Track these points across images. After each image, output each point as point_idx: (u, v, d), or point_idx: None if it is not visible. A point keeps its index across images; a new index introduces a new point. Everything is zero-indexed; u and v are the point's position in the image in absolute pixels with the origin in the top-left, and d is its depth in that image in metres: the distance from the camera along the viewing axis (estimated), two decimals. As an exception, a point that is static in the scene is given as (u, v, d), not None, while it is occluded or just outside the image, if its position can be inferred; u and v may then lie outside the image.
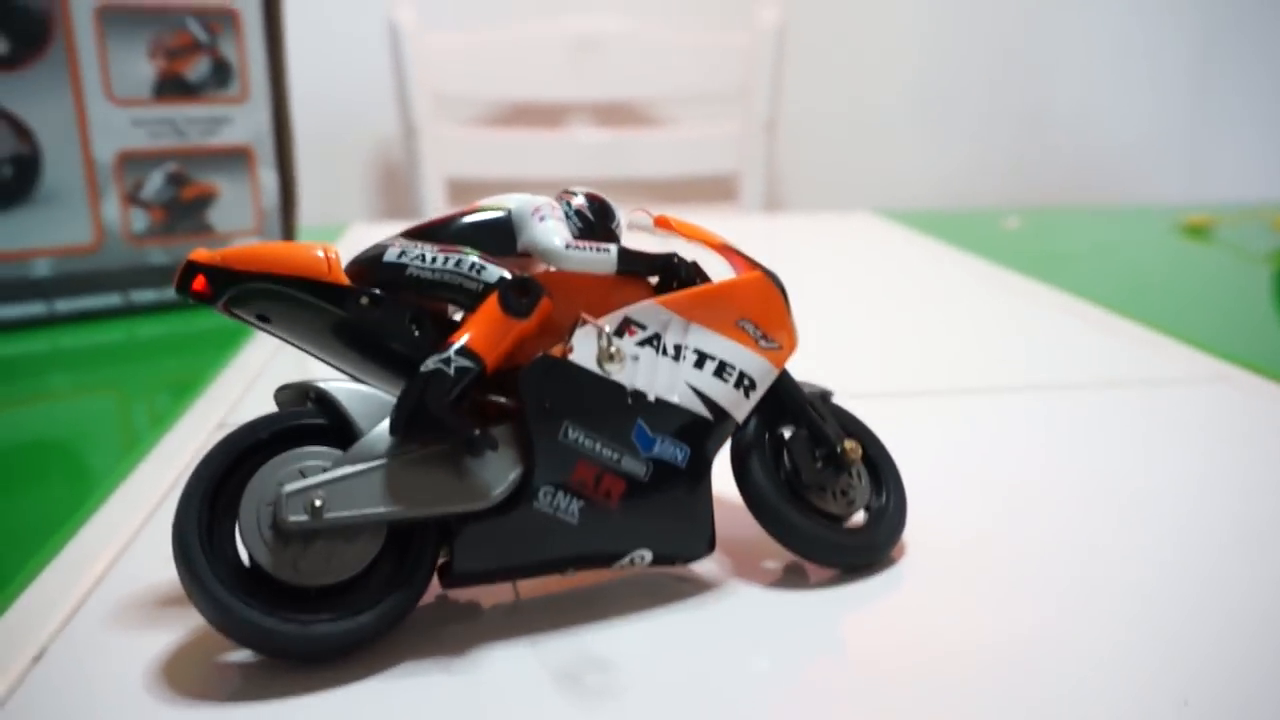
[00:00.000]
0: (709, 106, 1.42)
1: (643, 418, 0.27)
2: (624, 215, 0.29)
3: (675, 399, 0.27)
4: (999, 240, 0.83)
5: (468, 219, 0.28)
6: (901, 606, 0.28)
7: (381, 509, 0.24)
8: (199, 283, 0.25)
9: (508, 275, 0.26)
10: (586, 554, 0.26)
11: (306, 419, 0.25)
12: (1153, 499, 0.34)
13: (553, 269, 0.27)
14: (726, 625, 0.26)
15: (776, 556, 0.29)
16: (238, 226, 0.60)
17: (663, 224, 0.30)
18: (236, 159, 0.60)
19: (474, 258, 0.26)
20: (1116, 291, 0.64)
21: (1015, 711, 0.23)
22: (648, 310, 0.27)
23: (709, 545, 0.28)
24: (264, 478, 0.24)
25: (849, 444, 0.29)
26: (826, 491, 0.29)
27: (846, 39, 1.55)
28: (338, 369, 0.27)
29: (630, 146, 1.38)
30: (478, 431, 0.24)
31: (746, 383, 0.28)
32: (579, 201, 0.28)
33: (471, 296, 0.26)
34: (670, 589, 0.28)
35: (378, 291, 0.26)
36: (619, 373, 0.26)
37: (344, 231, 0.81)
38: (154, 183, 0.57)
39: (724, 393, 0.27)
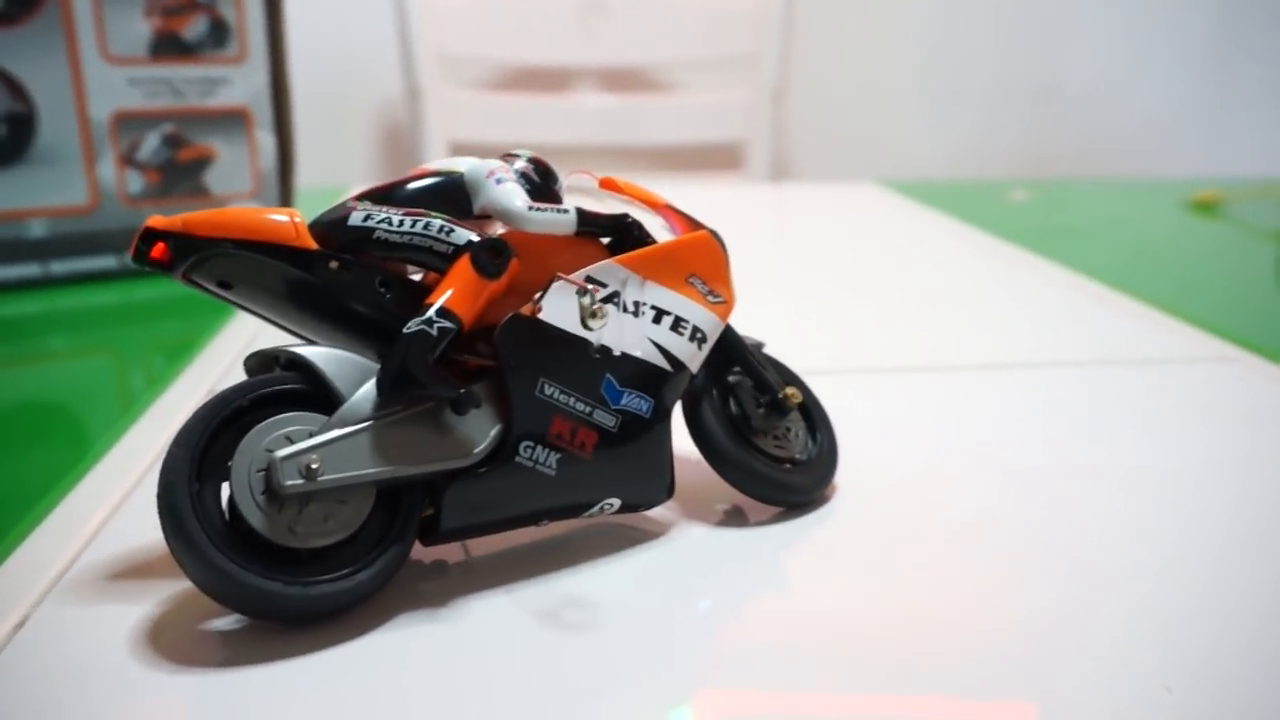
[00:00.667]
0: (716, 73, 1.41)
1: (610, 372, 0.28)
2: (565, 177, 0.30)
3: (638, 353, 0.28)
4: (1004, 213, 0.82)
5: (421, 182, 0.28)
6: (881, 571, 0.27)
7: (374, 469, 0.25)
8: (158, 250, 0.25)
9: (475, 237, 0.26)
10: (563, 504, 0.28)
11: (284, 384, 0.25)
12: (1151, 479, 0.34)
13: (512, 230, 0.27)
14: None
15: (721, 499, 0.31)
16: (235, 189, 0.60)
17: (608, 185, 0.31)
18: (234, 121, 0.59)
19: (441, 220, 0.26)
20: (1121, 267, 0.63)
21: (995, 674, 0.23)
22: (608, 269, 0.28)
23: (669, 491, 0.29)
24: (251, 444, 0.24)
25: (789, 390, 0.31)
26: (769, 435, 0.31)
27: (856, 6, 1.53)
28: (299, 335, 0.27)
29: (636, 112, 1.37)
30: (462, 390, 0.25)
31: (699, 335, 0.29)
32: (523, 164, 0.29)
33: (441, 258, 0.26)
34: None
35: (347, 256, 0.26)
36: (601, 328, 0.27)
37: (345, 194, 0.80)
38: (150, 144, 0.57)
39: (680, 345, 0.29)
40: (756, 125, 1.37)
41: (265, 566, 0.24)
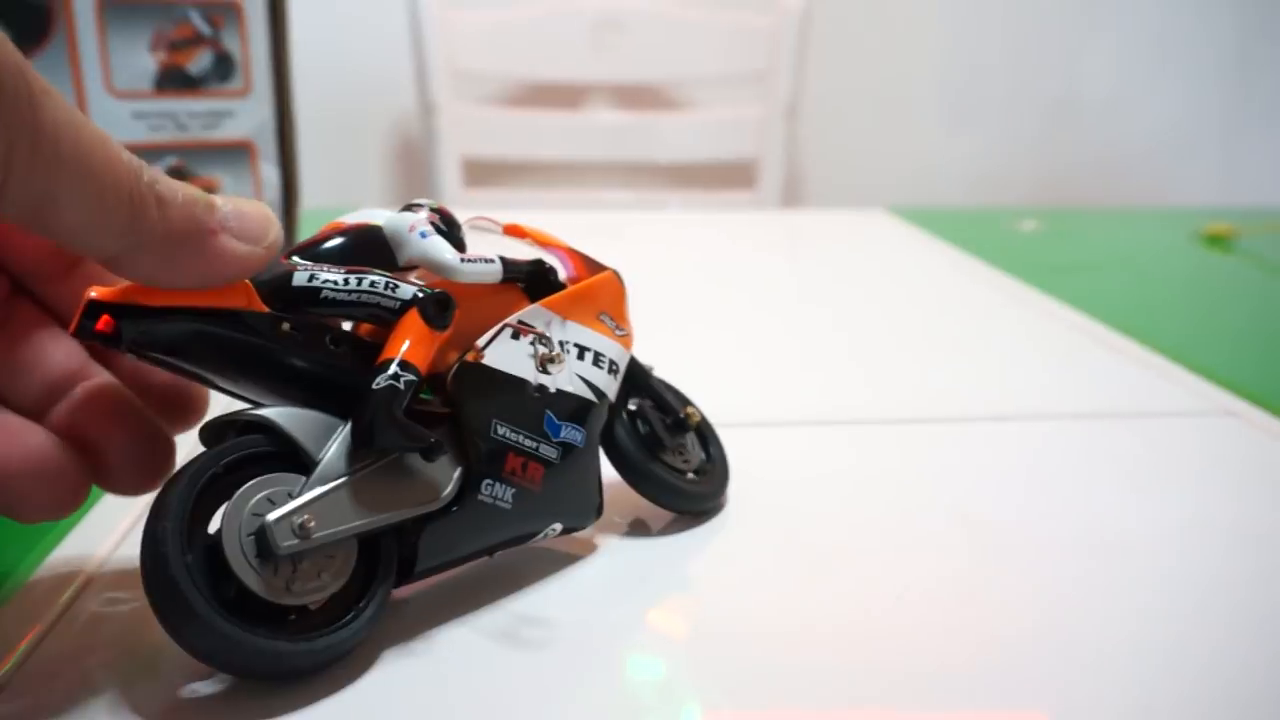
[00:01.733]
0: (729, 90, 1.41)
1: (549, 408, 0.30)
2: (465, 224, 0.31)
3: (570, 388, 0.30)
4: (1013, 244, 0.82)
5: (341, 239, 0.28)
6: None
7: (360, 520, 0.26)
8: (103, 323, 0.24)
9: (420, 292, 0.27)
10: (516, 534, 0.30)
11: (253, 447, 0.25)
12: (1135, 542, 0.33)
13: (442, 281, 0.28)
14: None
15: (624, 513, 0.34)
16: (239, 220, 0.60)
17: (512, 231, 0.33)
18: (238, 154, 0.59)
19: (384, 276, 0.27)
20: (1128, 307, 0.63)
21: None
22: (535, 313, 0.30)
23: (599, 511, 0.32)
24: (236, 509, 0.24)
25: (690, 410, 0.35)
26: (674, 451, 0.34)
27: (871, 26, 1.53)
28: (246, 399, 0.27)
29: (649, 129, 1.37)
30: (432, 439, 0.26)
31: (614, 367, 0.32)
32: (429, 215, 0.30)
33: (389, 312, 0.27)
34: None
35: (295, 317, 0.26)
36: (560, 373, 0.29)
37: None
38: (154, 176, 0.57)
39: (601, 378, 0.31)
40: (769, 142, 1.37)
41: (268, 628, 0.24)
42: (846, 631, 0.29)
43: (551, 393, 0.30)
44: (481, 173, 1.40)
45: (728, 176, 1.41)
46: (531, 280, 0.31)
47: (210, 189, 0.59)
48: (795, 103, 1.36)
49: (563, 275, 0.32)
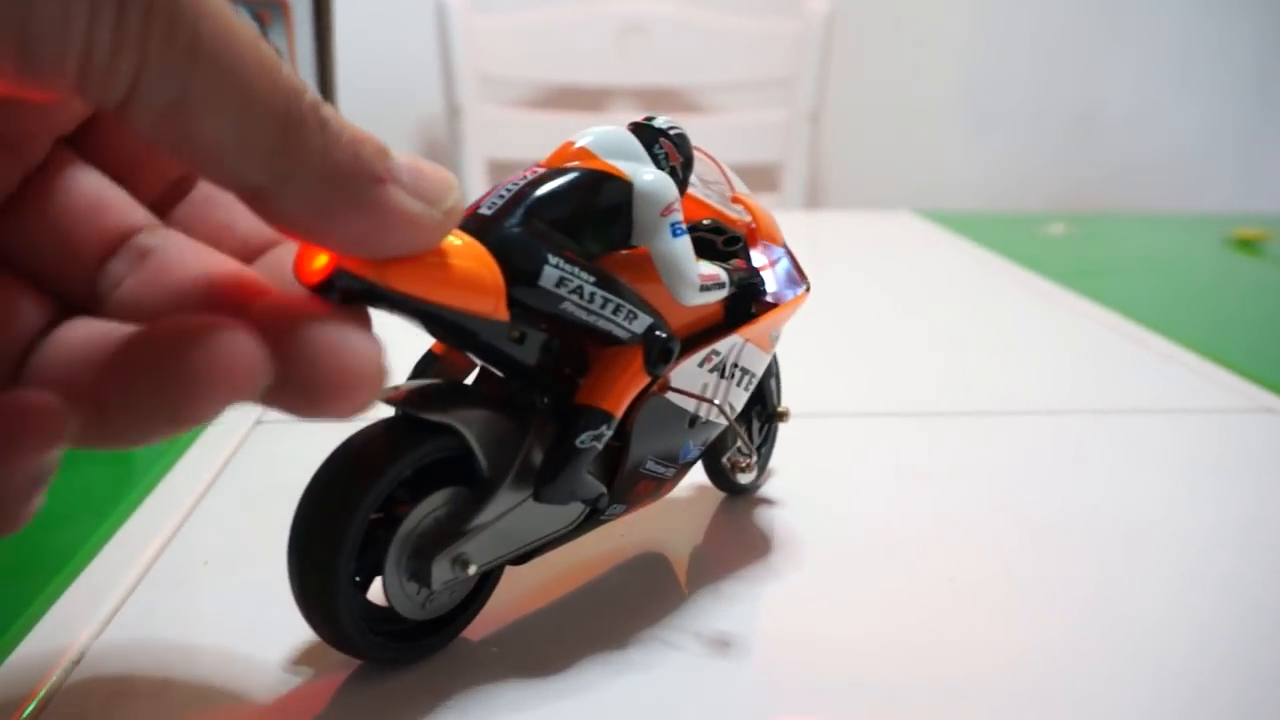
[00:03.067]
0: (754, 94, 1.41)
1: (692, 439, 0.29)
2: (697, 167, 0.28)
3: (716, 418, 0.29)
4: (1043, 247, 0.82)
5: (572, 186, 0.24)
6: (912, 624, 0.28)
7: (508, 550, 0.25)
8: (320, 273, 0.19)
9: (656, 329, 0.25)
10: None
11: (439, 454, 0.24)
12: (1181, 537, 0.34)
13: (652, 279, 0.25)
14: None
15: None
16: (281, 215, 0.61)
17: (740, 202, 0.31)
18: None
19: (629, 305, 0.24)
20: (1159, 307, 0.63)
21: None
22: (729, 342, 0.28)
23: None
24: (406, 532, 0.24)
25: (783, 409, 0.34)
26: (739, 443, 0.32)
27: (895, 33, 1.53)
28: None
29: (673, 133, 1.38)
30: (604, 491, 0.26)
31: (754, 384, 0.30)
32: (670, 147, 0.26)
33: (614, 341, 0.25)
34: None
35: (525, 328, 0.24)
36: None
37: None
38: (201, 170, 0.58)
39: (742, 399, 0.30)
40: (793, 147, 1.37)
41: (388, 633, 0.25)
42: (895, 622, 0.29)
43: (701, 422, 0.29)
44: (506, 174, 1.41)
45: (751, 180, 1.41)
46: (744, 295, 0.29)
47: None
48: (819, 108, 1.36)
49: (770, 288, 0.29)
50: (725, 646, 0.27)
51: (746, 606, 0.29)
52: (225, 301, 0.19)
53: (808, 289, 0.31)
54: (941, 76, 1.55)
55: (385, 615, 0.24)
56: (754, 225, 0.31)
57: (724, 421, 0.29)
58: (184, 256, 0.20)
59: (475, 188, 1.34)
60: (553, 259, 0.23)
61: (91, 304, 0.19)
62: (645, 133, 0.26)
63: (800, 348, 0.38)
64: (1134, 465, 0.40)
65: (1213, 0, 1.55)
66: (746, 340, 0.29)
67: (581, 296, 0.23)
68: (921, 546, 0.33)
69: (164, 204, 0.21)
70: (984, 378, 0.50)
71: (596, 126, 0.26)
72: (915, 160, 1.57)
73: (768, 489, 0.36)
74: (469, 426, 0.24)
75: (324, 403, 0.17)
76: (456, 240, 0.21)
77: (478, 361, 0.26)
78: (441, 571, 0.24)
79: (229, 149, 0.16)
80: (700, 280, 0.26)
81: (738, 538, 0.33)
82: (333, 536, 0.22)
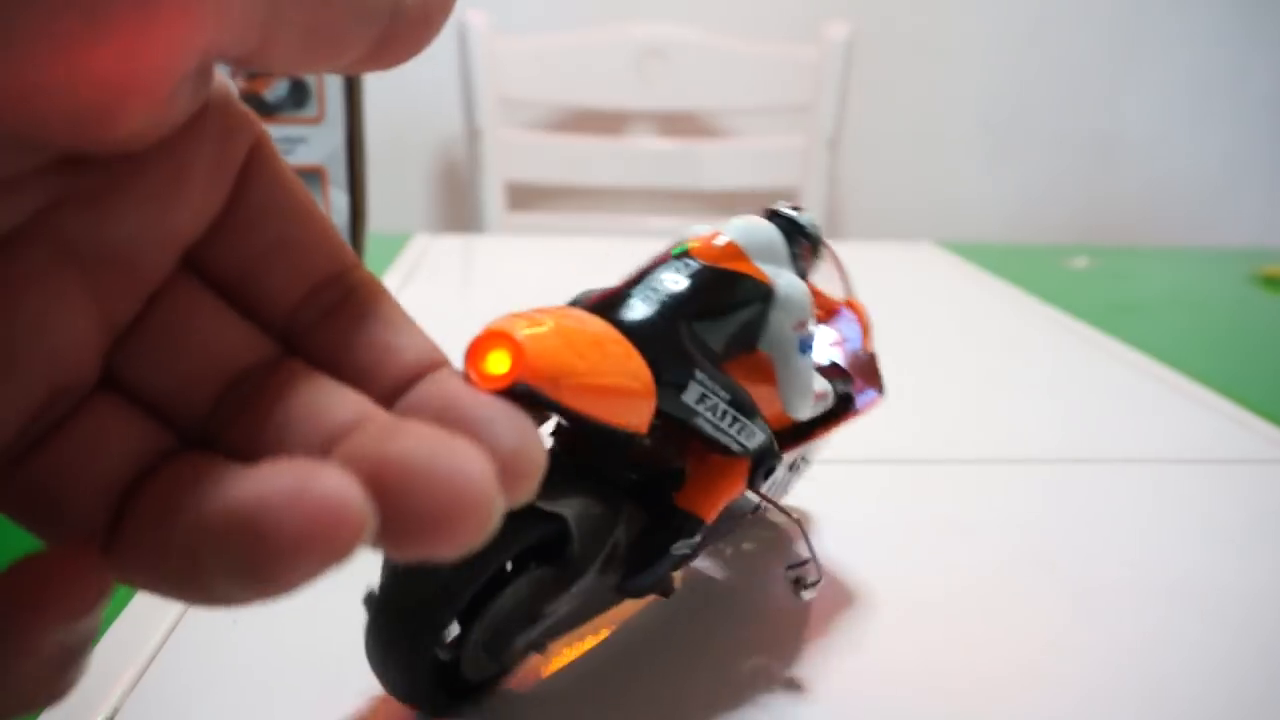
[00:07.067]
0: (773, 119, 1.41)
1: (742, 520, 0.30)
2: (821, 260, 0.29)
3: (763, 503, 0.29)
4: (1066, 281, 0.82)
5: (733, 289, 0.24)
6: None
7: (570, 629, 0.26)
8: (501, 381, 0.19)
9: (768, 447, 0.25)
10: None
11: (540, 538, 0.24)
12: (1224, 595, 0.33)
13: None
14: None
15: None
16: (307, 244, 0.61)
17: (855, 310, 0.32)
18: (309, 179, 0.60)
19: (751, 423, 0.25)
20: (1187, 349, 0.62)
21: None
22: (811, 446, 0.29)
23: None
24: (499, 607, 0.24)
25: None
26: None
27: (914, 60, 1.53)
28: None
29: (691, 156, 1.38)
30: (676, 585, 0.27)
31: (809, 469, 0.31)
32: (807, 249, 0.27)
33: (726, 451, 0.25)
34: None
35: (658, 434, 0.24)
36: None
37: (407, 242, 0.81)
38: (229, 200, 0.58)
39: (792, 481, 0.31)
40: (811, 173, 1.37)
41: (448, 695, 0.24)
42: (931, 674, 0.29)
43: (753, 508, 0.30)
44: (525, 196, 1.41)
45: (769, 205, 1.42)
46: (839, 408, 0.29)
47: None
48: (837, 134, 1.36)
49: (859, 401, 0.30)
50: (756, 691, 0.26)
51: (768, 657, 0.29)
52: (332, 438, 0.16)
53: (882, 394, 0.32)
54: (960, 104, 1.55)
55: (445, 668, 0.24)
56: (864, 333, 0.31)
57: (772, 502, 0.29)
58: (294, 389, 0.17)
59: (494, 209, 1.35)
60: (699, 374, 0.23)
61: (206, 441, 0.17)
62: (788, 229, 0.27)
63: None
64: (1172, 518, 0.39)
65: (1233, 27, 1.55)
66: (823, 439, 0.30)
67: (715, 414, 0.24)
68: (947, 596, 0.32)
69: (301, 323, 0.18)
70: (1007, 423, 0.50)
71: (743, 219, 0.26)
72: (933, 187, 1.57)
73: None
74: (572, 514, 0.23)
75: (418, 538, 0.14)
76: (618, 347, 0.22)
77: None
78: (519, 653, 0.24)
79: (352, 19, 0.15)
80: (815, 397, 0.26)
81: (756, 580, 0.32)
82: (432, 616, 0.22)
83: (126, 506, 0.16)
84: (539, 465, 0.16)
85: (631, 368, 0.22)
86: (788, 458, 0.28)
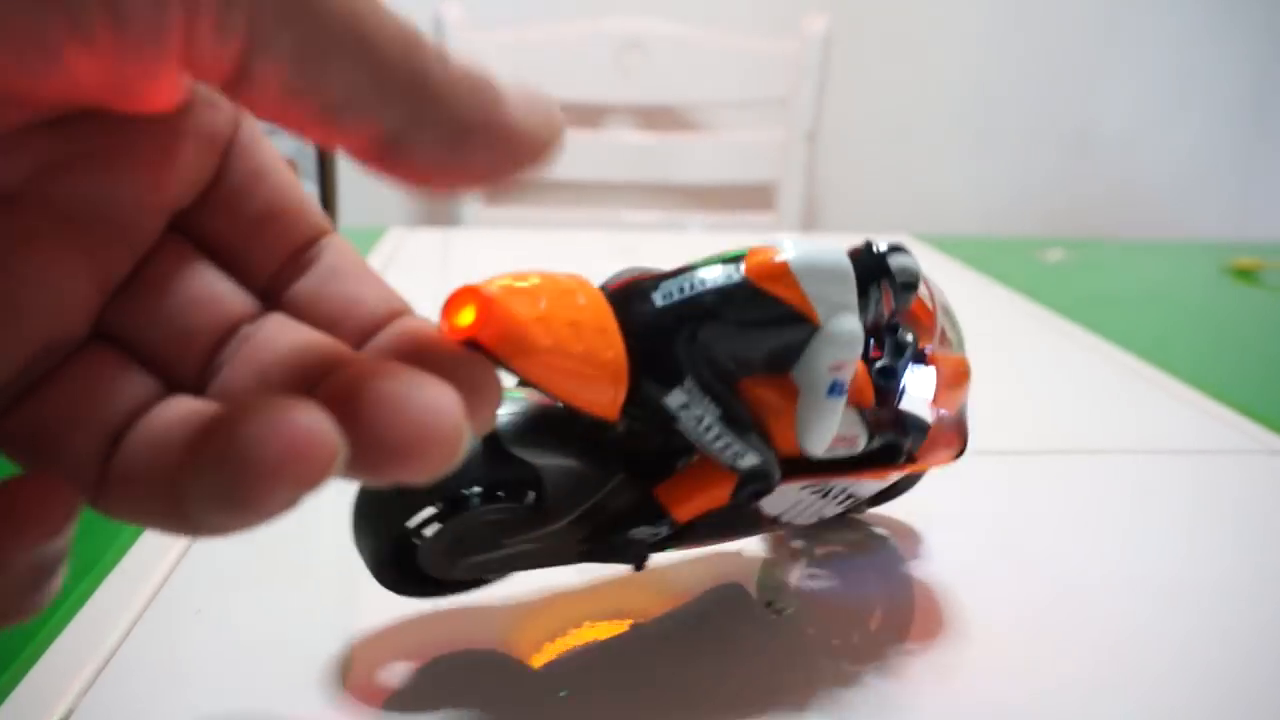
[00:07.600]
0: (751, 113, 1.41)
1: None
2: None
3: (800, 520, 0.30)
4: (1040, 274, 0.82)
5: (765, 319, 0.24)
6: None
7: (524, 567, 0.27)
8: (463, 333, 0.20)
9: (757, 471, 0.25)
10: None
11: (513, 500, 0.25)
12: (1199, 587, 0.33)
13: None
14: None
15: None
16: (277, 237, 0.60)
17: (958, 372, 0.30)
18: (279, 171, 0.60)
19: (742, 444, 0.24)
20: (1160, 341, 0.63)
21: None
22: (846, 481, 0.28)
23: None
24: (470, 517, 0.25)
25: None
26: None
27: (892, 54, 1.54)
28: None
29: (670, 150, 1.38)
30: (645, 562, 0.27)
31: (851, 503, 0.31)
32: (889, 296, 0.26)
33: (715, 463, 0.25)
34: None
35: (631, 424, 0.24)
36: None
37: (382, 236, 0.81)
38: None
39: (834, 512, 0.30)
40: (790, 166, 1.37)
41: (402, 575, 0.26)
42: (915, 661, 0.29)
43: (774, 519, 0.29)
44: (502, 191, 1.41)
45: (748, 198, 1.42)
46: (877, 454, 0.28)
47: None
48: (816, 127, 1.36)
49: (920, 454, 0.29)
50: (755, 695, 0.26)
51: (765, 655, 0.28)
52: (310, 378, 0.17)
53: (959, 454, 0.30)
54: (938, 97, 1.56)
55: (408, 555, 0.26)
56: (938, 369, 0.29)
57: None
58: (275, 336, 0.18)
59: (472, 204, 1.34)
60: (686, 383, 0.23)
61: (198, 391, 0.18)
62: (869, 267, 0.25)
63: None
64: (1150, 509, 0.39)
65: (1208, 23, 1.56)
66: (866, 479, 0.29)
67: (699, 424, 0.23)
68: (919, 592, 0.32)
69: (280, 282, 0.20)
70: (991, 416, 0.50)
71: (817, 244, 0.25)
72: (911, 180, 1.57)
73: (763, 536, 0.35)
74: (547, 466, 0.25)
75: (391, 465, 0.15)
76: (597, 334, 0.22)
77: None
78: (471, 567, 0.26)
79: (365, 92, 0.15)
80: (833, 442, 0.25)
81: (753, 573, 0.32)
82: (402, 499, 0.25)
83: (116, 447, 0.17)
84: (495, 401, 0.18)
85: (604, 356, 0.22)
86: (804, 482, 0.27)
